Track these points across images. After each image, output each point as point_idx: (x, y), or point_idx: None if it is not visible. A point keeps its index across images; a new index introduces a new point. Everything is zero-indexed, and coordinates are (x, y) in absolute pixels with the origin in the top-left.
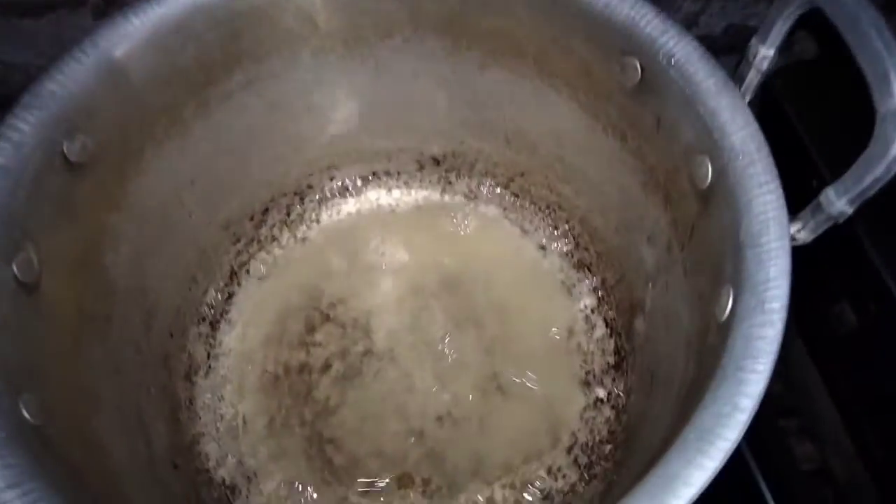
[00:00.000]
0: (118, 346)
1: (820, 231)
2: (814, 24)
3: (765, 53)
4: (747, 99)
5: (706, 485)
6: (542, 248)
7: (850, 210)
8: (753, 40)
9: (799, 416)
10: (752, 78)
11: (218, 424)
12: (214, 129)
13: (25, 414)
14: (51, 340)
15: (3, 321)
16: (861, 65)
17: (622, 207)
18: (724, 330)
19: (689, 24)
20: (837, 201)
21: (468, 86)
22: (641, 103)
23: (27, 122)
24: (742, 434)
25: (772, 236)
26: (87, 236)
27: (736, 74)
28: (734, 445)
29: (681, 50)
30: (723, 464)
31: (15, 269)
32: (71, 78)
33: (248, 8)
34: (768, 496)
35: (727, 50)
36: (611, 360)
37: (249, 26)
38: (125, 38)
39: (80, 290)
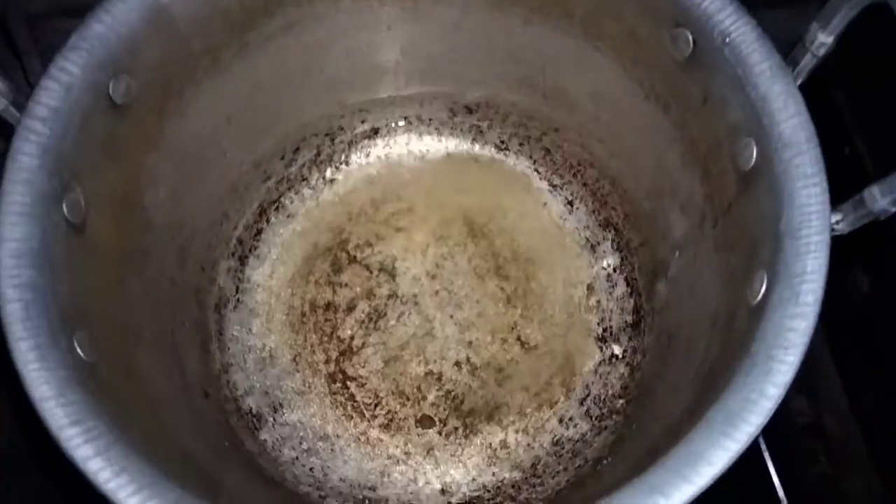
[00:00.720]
0: (155, 281)
1: (859, 225)
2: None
3: (823, 40)
4: (799, 82)
5: (727, 466)
6: (570, 203)
7: (893, 209)
8: (813, 25)
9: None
10: (807, 63)
11: (246, 356)
12: (253, 69)
13: (80, 352)
14: (97, 278)
15: (56, 261)
16: None
17: (656, 174)
18: (755, 315)
19: None
20: (882, 199)
21: (509, 39)
22: (690, 76)
23: (76, 65)
24: (767, 420)
25: (813, 230)
26: (128, 176)
27: (789, 58)
28: (758, 431)
29: (737, 30)
30: (745, 448)
31: (65, 209)
32: (117, 19)
33: None
34: (763, 448)
35: (769, 3)
36: (629, 318)
37: None
38: None
39: (121, 228)
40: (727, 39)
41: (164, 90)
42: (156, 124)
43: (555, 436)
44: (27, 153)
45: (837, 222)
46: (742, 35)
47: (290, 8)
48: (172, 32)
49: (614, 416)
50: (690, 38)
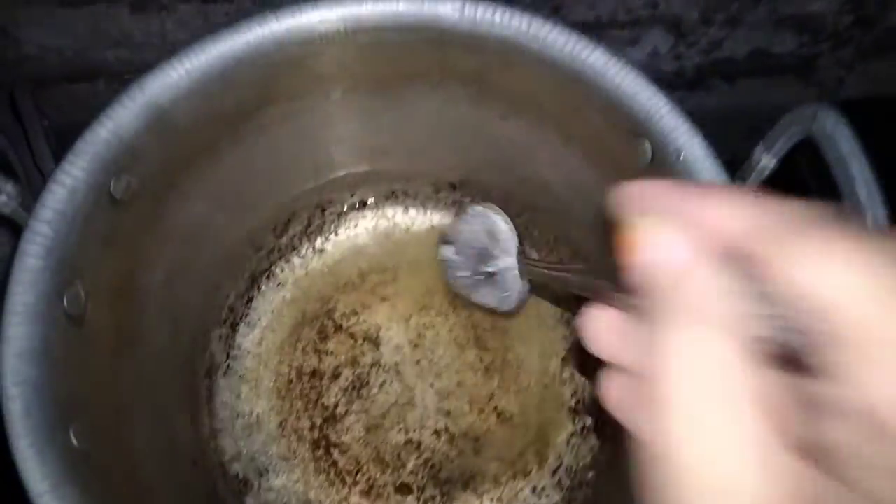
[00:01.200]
0: (148, 358)
1: None
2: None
3: (766, 163)
4: None
5: None
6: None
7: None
8: (758, 148)
9: None
10: (752, 181)
11: (234, 422)
12: (246, 156)
13: (74, 442)
14: (93, 367)
15: (56, 356)
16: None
17: None
18: None
19: (712, 48)
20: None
21: (488, 130)
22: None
23: (80, 168)
24: None
25: None
26: (126, 263)
27: (737, 175)
28: None
29: (689, 148)
30: None
31: (66, 305)
32: (120, 124)
33: (286, 57)
34: None
35: (748, 73)
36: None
37: (286, 72)
38: (171, 86)
39: (118, 314)
40: (680, 156)
41: (163, 182)
42: (154, 213)
43: None
44: (33, 255)
45: None
46: (694, 153)
47: (282, 102)
48: (172, 132)
49: (584, 488)
50: (649, 149)
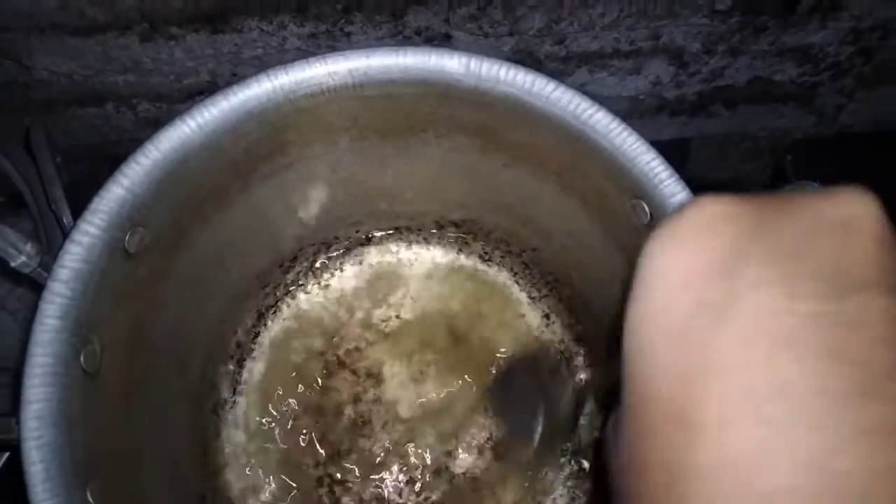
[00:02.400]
0: (158, 400)
1: None
2: None
3: None
4: None
5: None
6: (546, 316)
7: None
8: None
9: None
10: None
11: (240, 456)
12: (254, 202)
13: (90, 500)
14: (107, 418)
15: (73, 414)
16: None
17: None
18: None
19: (713, 77)
20: None
21: (491, 176)
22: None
23: (96, 226)
24: None
25: None
26: (139, 312)
27: None
28: None
29: None
30: None
31: (83, 362)
32: (134, 181)
33: (295, 110)
34: None
35: (749, 100)
36: (598, 433)
37: (295, 123)
38: (183, 142)
39: (130, 362)
40: None
41: (174, 233)
42: (165, 263)
43: None
44: (51, 315)
45: None
46: None
47: (290, 150)
48: (184, 185)
49: None
50: (648, 210)
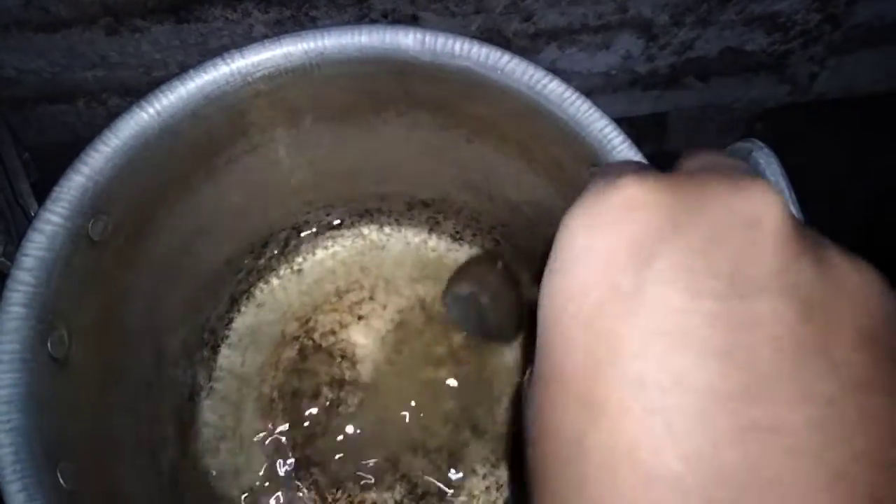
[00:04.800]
0: (133, 389)
1: None
2: None
3: None
4: None
5: None
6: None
7: None
8: None
9: None
10: None
11: (218, 443)
12: (220, 186)
13: (62, 482)
14: (79, 405)
15: (42, 399)
16: None
17: None
18: None
19: (684, 49)
20: None
21: (455, 153)
22: None
23: (58, 214)
24: None
25: None
26: (107, 299)
27: None
28: None
29: None
30: None
31: (49, 348)
32: (94, 168)
33: (254, 93)
34: None
35: (722, 72)
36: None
37: (254, 106)
38: (143, 128)
39: (101, 350)
40: None
41: (139, 220)
42: (131, 249)
43: None
44: (16, 303)
45: None
46: None
47: (253, 133)
48: (145, 172)
49: None
50: None
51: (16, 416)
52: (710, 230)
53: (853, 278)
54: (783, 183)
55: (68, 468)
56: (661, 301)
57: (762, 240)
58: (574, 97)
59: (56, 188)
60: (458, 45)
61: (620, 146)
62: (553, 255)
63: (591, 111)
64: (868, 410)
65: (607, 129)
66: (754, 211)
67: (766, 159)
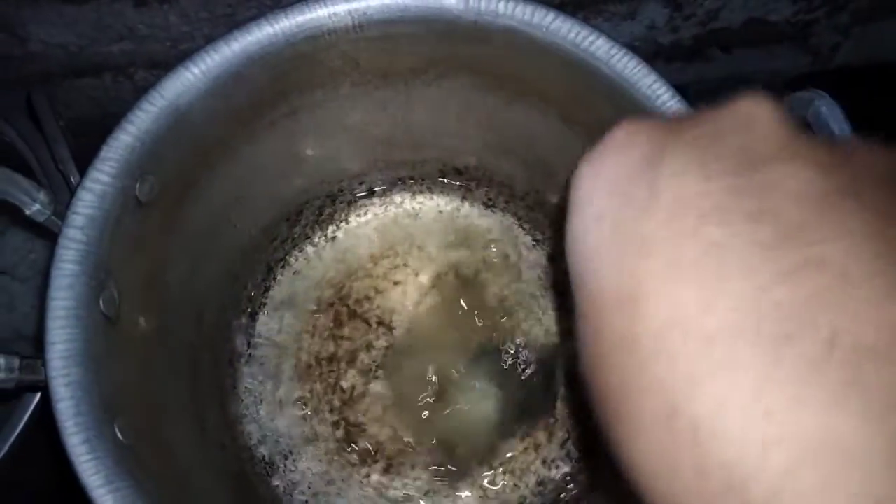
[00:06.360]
0: (176, 350)
1: None
2: None
3: None
4: None
5: None
6: (552, 259)
7: None
8: None
9: None
10: None
11: (258, 407)
12: (259, 152)
13: (120, 437)
14: (129, 363)
15: (97, 356)
16: None
17: None
18: None
19: (709, 19)
20: None
21: (493, 117)
22: None
23: (106, 174)
24: None
25: None
26: (153, 262)
27: None
28: None
29: None
30: None
31: (101, 305)
32: (140, 128)
33: (297, 54)
34: None
35: (745, 43)
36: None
37: (297, 67)
38: (188, 88)
39: (148, 310)
40: None
41: (183, 182)
42: (175, 212)
43: (539, 476)
44: (68, 260)
45: None
46: None
47: (293, 97)
48: (190, 133)
49: (593, 457)
50: None
51: (74, 371)
52: (710, 129)
53: (861, 148)
54: (847, 129)
55: (125, 423)
56: (677, 190)
57: (760, 127)
58: (621, 54)
59: (104, 148)
60: (502, 5)
61: (670, 101)
62: (569, 206)
63: (639, 67)
64: None
65: (656, 85)
66: (748, 111)
67: (828, 107)
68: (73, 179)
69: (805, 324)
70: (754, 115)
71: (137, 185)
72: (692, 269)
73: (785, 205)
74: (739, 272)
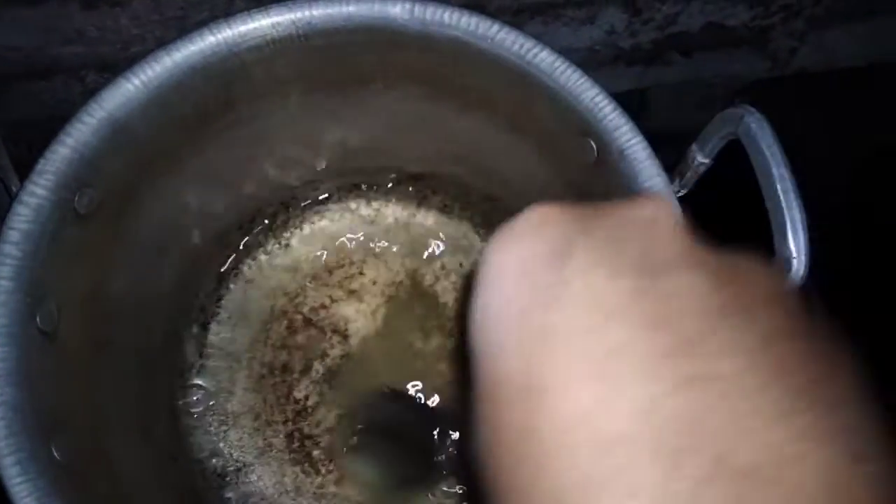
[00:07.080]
0: (122, 364)
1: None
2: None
3: (701, 160)
4: (684, 192)
5: None
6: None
7: (707, 161)
8: (693, 146)
9: None
10: (689, 178)
11: (210, 419)
12: (207, 160)
13: (57, 456)
14: (70, 379)
15: (33, 373)
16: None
17: None
18: None
19: (667, 24)
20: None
21: (445, 125)
22: (597, 176)
23: (43, 187)
24: None
25: None
26: (96, 274)
27: (675, 170)
28: None
29: (631, 147)
30: None
31: (39, 322)
32: (79, 140)
33: (241, 63)
34: None
35: (704, 47)
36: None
37: (242, 77)
38: (128, 99)
39: (90, 324)
40: (623, 153)
41: (125, 193)
42: (118, 223)
43: None
44: (3, 277)
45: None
46: (635, 153)
47: (240, 106)
48: (131, 144)
49: None
50: (595, 147)
51: (7, 391)
52: (615, 230)
53: (745, 262)
54: (775, 147)
55: (62, 442)
56: (583, 286)
57: (662, 233)
58: (564, 66)
59: (41, 160)
60: (447, 15)
61: (611, 115)
62: (476, 284)
63: (581, 80)
64: (789, 353)
65: (598, 98)
66: (651, 214)
67: (757, 124)
68: (13, 189)
69: (695, 439)
70: (657, 219)
71: (76, 198)
72: (596, 368)
73: (682, 315)
74: (640, 378)
